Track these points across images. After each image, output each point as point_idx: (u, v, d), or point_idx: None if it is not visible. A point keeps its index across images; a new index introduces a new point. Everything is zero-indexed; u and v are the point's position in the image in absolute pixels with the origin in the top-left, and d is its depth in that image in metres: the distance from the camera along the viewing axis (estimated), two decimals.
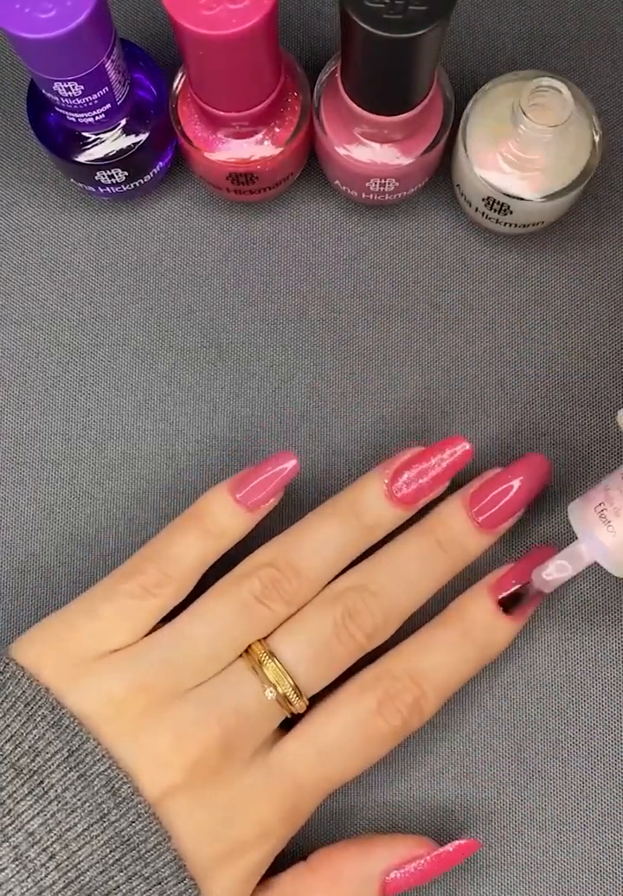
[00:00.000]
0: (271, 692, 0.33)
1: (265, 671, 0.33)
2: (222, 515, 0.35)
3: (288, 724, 0.34)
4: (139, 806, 0.31)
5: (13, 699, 0.32)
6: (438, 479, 0.35)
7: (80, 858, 0.30)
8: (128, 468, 0.40)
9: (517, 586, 0.35)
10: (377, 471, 0.36)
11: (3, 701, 0.32)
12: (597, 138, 0.37)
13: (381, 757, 0.34)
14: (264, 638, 0.34)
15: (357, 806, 0.37)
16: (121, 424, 0.40)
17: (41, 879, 0.30)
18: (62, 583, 0.39)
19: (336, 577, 0.35)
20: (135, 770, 0.31)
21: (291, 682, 0.33)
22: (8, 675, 0.32)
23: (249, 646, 0.34)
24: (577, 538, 0.34)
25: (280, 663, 0.33)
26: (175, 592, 0.34)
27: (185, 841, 0.31)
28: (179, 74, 0.38)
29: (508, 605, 0.35)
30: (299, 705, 0.33)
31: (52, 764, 0.31)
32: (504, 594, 0.35)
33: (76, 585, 0.39)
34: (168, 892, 0.31)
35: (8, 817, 0.30)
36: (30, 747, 0.31)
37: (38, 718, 0.31)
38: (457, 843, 0.34)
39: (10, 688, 0.32)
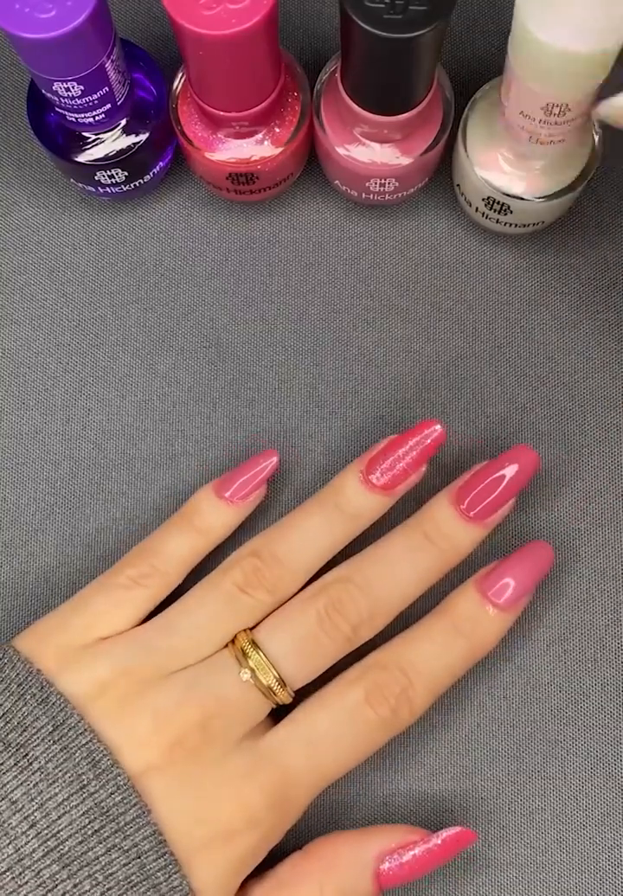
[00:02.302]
0: (246, 673, 0.33)
1: (248, 660, 0.34)
2: (209, 512, 0.36)
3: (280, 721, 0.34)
4: (118, 778, 0.31)
5: (8, 681, 0.33)
6: (413, 464, 0.36)
7: (60, 827, 0.31)
8: (128, 468, 0.40)
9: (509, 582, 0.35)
10: (354, 462, 0.37)
11: None
12: (597, 138, 0.37)
13: (372, 751, 0.35)
14: (251, 628, 0.35)
15: (356, 805, 0.38)
16: (121, 424, 0.40)
17: (21, 846, 0.31)
18: (62, 583, 0.39)
19: (324, 571, 0.36)
20: (116, 747, 0.32)
21: (275, 673, 0.33)
22: (6, 660, 0.34)
23: (235, 636, 0.34)
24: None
25: (264, 653, 0.34)
26: (163, 583, 0.35)
27: (166, 820, 0.32)
28: (179, 74, 0.38)
29: None
30: (283, 696, 0.34)
31: (38, 737, 0.32)
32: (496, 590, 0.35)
33: (76, 585, 0.39)
34: (148, 867, 0.31)
35: None
36: (18, 723, 0.32)
37: (29, 696, 0.32)
38: (450, 830, 0.34)
39: (7, 671, 0.33)
